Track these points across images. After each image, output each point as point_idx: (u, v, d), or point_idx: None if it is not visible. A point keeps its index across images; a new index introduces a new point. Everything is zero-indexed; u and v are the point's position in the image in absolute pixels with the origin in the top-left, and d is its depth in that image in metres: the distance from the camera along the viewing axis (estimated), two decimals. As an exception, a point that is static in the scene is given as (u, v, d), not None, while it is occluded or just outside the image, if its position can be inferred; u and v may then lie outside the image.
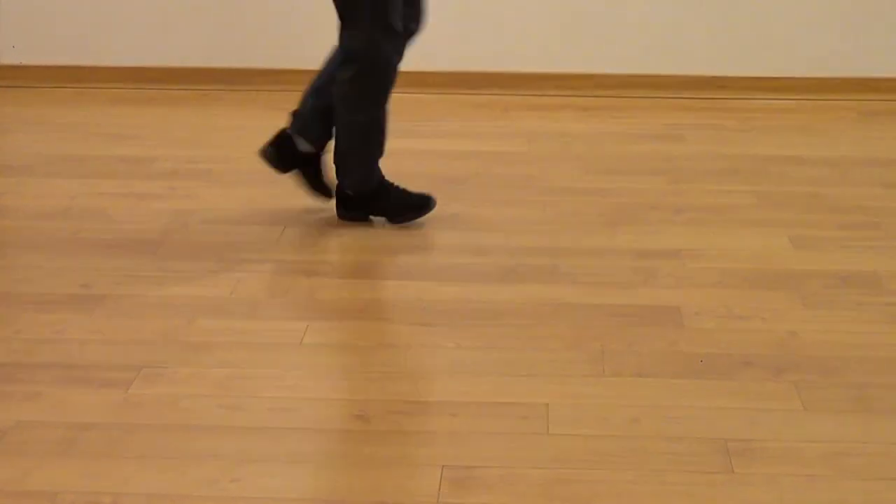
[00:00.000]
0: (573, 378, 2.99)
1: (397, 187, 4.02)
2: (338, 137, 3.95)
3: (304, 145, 4.00)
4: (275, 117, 5.20)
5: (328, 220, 4.00)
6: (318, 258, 3.71)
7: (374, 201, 3.99)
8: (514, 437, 2.75)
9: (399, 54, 3.86)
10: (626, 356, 3.10)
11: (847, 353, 3.11)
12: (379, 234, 3.89)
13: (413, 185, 4.31)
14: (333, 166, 4.00)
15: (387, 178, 4.02)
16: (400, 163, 4.57)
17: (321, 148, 4.04)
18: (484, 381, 2.99)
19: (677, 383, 2.96)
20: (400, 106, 5.38)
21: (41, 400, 2.89)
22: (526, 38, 5.55)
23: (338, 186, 4.02)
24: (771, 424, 2.79)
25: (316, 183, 4.08)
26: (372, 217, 4.00)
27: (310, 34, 5.60)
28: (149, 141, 4.90)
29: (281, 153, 4.04)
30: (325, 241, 3.84)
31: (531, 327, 3.26)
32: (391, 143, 4.66)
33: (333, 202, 4.04)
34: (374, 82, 3.87)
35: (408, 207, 4.00)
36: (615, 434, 2.75)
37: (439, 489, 2.54)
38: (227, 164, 4.58)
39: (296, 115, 4.03)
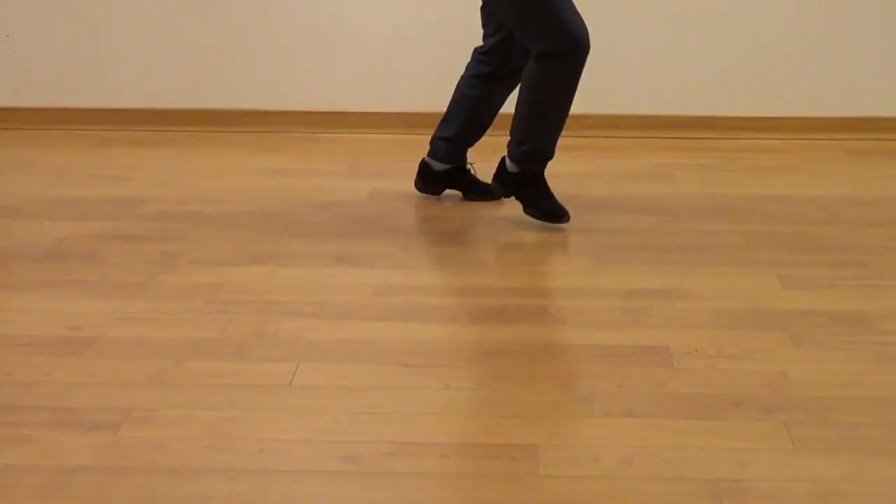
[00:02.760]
0: (563, 419, 2.99)
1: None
2: None
3: None
4: (264, 158, 5.24)
5: (317, 262, 4.00)
6: (308, 299, 3.70)
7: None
8: (504, 478, 2.73)
9: None
10: (616, 396, 3.09)
11: (837, 392, 3.11)
12: (367, 276, 3.89)
13: (400, 226, 4.33)
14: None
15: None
16: (386, 203, 4.60)
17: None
18: (473, 422, 2.99)
19: (668, 423, 2.96)
20: (384, 146, 5.43)
21: (29, 443, 2.88)
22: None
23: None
24: (761, 464, 2.78)
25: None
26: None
27: (298, 76, 5.63)
28: (138, 182, 4.90)
29: None
30: (314, 283, 3.84)
31: (520, 368, 3.26)
32: (378, 181, 4.69)
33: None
34: None
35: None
36: (606, 475, 2.74)
37: (430, 531, 2.53)
38: (216, 206, 4.58)
39: None
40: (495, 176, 4.45)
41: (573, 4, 4.11)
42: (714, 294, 3.75)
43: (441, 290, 3.79)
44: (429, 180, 4.67)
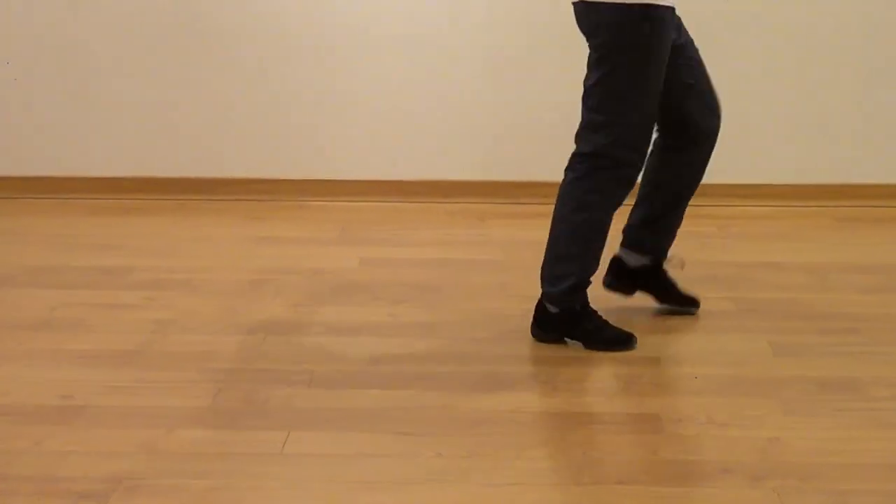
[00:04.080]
0: (554, 487, 2.98)
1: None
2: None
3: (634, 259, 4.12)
4: (253, 226, 5.25)
5: (307, 330, 4.00)
6: (298, 367, 3.70)
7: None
8: (496, 546, 2.73)
9: None
10: (607, 464, 3.09)
11: (828, 459, 3.10)
12: (359, 345, 3.89)
13: (389, 294, 4.33)
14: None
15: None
16: (377, 271, 4.60)
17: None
18: (465, 489, 2.97)
19: (659, 491, 2.95)
20: (377, 214, 5.44)
21: (18, 513, 2.87)
22: (500, 146, 5.60)
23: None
24: (754, 532, 2.78)
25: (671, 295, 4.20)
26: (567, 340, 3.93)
27: (287, 144, 5.65)
28: (127, 251, 4.90)
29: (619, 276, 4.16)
30: (305, 351, 3.83)
31: (511, 435, 3.25)
32: (367, 249, 4.70)
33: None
34: None
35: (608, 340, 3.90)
36: (598, 543, 2.74)
37: None
38: (205, 274, 4.58)
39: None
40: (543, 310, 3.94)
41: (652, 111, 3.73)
42: (704, 361, 3.75)
43: (431, 357, 3.79)
44: (623, 277, 4.17)
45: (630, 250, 4.14)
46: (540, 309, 3.92)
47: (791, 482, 2.98)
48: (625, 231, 4.14)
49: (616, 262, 4.17)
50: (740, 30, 5.42)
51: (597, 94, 3.69)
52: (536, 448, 3.18)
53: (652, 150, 3.93)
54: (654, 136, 3.92)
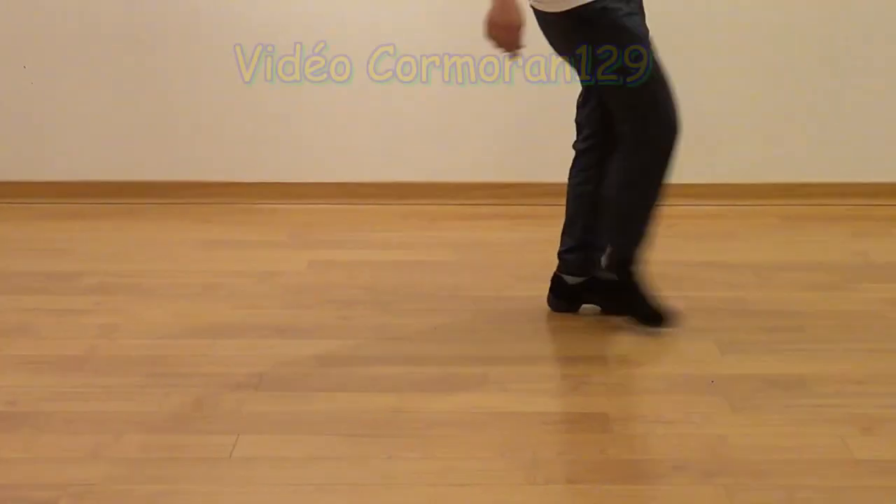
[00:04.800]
0: (505, 487, 2.98)
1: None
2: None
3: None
4: (203, 230, 5.22)
5: (257, 333, 3.99)
6: (247, 371, 3.68)
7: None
8: (446, 547, 2.73)
9: None
10: (558, 464, 3.10)
11: (776, 455, 3.13)
12: (307, 346, 3.88)
13: (339, 297, 4.33)
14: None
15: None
16: (328, 273, 4.59)
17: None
18: (416, 491, 2.98)
19: (609, 489, 2.96)
20: (327, 216, 5.43)
21: (-35, 521, 2.85)
22: (454, 148, 5.60)
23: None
24: (703, 529, 2.79)
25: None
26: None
27: (236, 147, 5.63)
28: (74, 256, 4.87)
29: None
30: (253, 354, 3.82)
31: (463, 436, 3.25)
32: (318, 252, 4.68)
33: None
34: None
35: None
36: (548, 542, 2.74)
37: None
38: (154, 278, 4.56)
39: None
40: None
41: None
42: (652, 360, 3.77)
43: (381, 359, 3.78)
44: (563, 297, 4.20)
45: (566, 274, 4.17)
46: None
47: (740, 479, 3.00)
48: (559, 256, 4.19)
49: (555, 280, 4.20)
50: (687, 29, 5.44)
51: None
52: (487, 449, 3.18)
53: (581, 168, 4.11)
54: (580, 152, 4.11)
